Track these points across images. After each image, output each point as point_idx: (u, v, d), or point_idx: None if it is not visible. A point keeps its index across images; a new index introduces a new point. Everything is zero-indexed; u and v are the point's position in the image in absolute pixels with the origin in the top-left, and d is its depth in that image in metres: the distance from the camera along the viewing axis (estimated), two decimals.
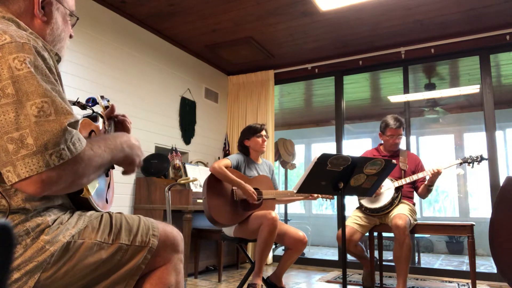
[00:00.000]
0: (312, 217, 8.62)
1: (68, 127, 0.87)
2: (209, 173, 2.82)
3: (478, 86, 4.82)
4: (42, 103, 0.85)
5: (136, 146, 1.14)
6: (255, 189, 2.89)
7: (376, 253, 3.38)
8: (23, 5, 1.03)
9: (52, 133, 0.84)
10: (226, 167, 2.79)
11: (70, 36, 1.18)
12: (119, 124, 1.38)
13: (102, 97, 1.36)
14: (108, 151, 1.00)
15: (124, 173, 1.17)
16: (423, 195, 3.23)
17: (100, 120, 1.26)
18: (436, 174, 3.00)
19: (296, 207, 8.90)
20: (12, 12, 1.01)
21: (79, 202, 1.08)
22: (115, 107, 1.34)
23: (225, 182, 2.80)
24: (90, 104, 1.30)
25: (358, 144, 8.46)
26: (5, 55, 0.85)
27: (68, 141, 0.87)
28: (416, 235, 4.22)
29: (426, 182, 3.13)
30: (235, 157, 2.95)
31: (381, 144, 3.45)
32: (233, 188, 2.84)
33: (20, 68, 0.85)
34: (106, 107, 1.34)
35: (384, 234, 3.52)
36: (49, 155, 0.84)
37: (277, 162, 6.49)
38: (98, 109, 1.32)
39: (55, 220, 0.95)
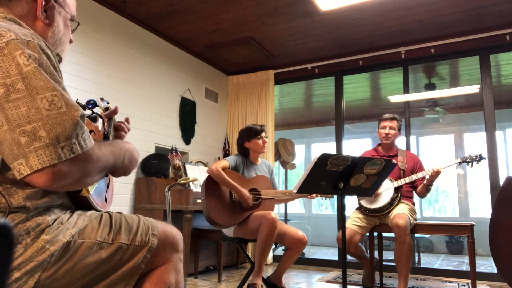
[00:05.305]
0: (312, 217, 8.62)
1: (79, 121, 0.89)
2: None
3: (478, 86, 4.82)
4: (52, 96, 0.87)
5: (135, 160, 1.17)
6: (253, 189, 2.89)
7: (376, 253, 3.38)
8: (26, 7, 1.03)
9: (64, 126, 0.86)
10: (224, 168, 2.79)
11: (70, 41, 1.19)
12: (116, 128, 1.39)
13: (101, 99, 1.37)
14: (113, 157, 1.04)
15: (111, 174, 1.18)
16: (422, 195, 3.23)
17: (100, 120, 1.26)
18: (435, 174, 3.01)
19: (296, 207, 8.89)
20: (15, 14, 1.02)
21: (78, 201, 1.08)
22: (118, 109, 1.35)
23: (221, 184, 2.80)
24: (90, 106, 1.30)
25: (358, 144, 8.46)
26: (12, 51, 0.86)
27: (79, 136, 0.88)
28: (416, 235, 4.21)
29: (425, 182, 3.13)
30: (233, 158, 2.95)
31: (379, 145, 3.46)
32: None
33: (27, 64, 0.86)
34: (105, 109, 1.35)
35: (384, 234, 3.52)
36: (61, 148, 0.85)
37: (277, 162, 6.49)
38: (97, 111, 1.32)
39: (55, 220, 0.95)
